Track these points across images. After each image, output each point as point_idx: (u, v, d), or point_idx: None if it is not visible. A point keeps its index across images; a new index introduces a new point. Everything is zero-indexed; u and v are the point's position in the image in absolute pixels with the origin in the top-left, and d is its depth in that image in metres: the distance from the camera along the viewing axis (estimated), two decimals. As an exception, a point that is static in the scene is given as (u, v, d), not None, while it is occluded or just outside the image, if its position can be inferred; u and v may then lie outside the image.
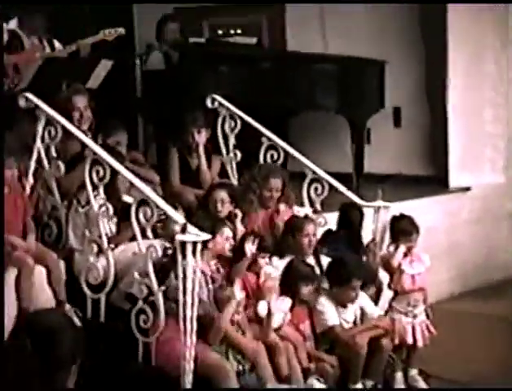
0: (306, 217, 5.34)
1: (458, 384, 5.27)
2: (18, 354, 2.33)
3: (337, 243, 5.44)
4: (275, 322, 4.82)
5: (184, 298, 4.28)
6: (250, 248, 4.85)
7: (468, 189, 7.54)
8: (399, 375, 5.29)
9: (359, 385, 4.94)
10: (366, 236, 5.56)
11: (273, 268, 4.99)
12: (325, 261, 5.22)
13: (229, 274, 4.84)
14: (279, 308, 4.83)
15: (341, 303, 5.05)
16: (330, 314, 5.02)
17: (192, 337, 4.31)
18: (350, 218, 5.53)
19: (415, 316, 5.28)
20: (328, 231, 5.56)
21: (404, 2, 7.52)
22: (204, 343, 4.44)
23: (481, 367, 5.46)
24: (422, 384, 5.28)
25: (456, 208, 7.39)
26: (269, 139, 5.88)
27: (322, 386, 4.83)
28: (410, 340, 5.25)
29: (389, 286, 5.36)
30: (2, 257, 4.30)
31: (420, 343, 5.27)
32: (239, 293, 4.56)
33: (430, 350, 5.33)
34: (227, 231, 4.86)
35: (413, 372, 5.32)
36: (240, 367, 4.50)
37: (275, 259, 5.09)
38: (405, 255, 5.31)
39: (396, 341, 5.20)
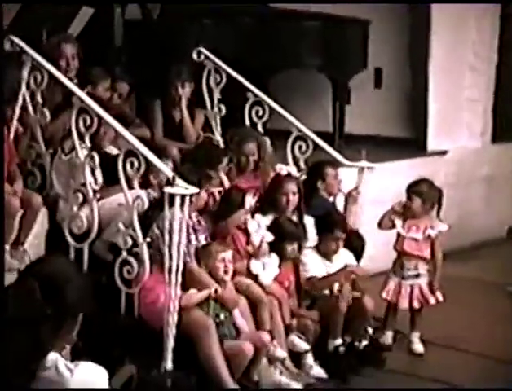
0: (288, 175, 5.34)
1: (434, 345, 5.35)
2: (26, 298, 2.30)
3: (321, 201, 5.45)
4: (268, 279, 4.86)
5: (170, 251, 4.27)
6: (250, 201, 4.86)
7: (445, 153, 7.60)
8: (388, 333, 5.34)
9: (339, 341, 4.98)
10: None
11: (257, 225, 4.99)
12: (308, 220, 5.22)
13: (214, 229, 4.83)
14: (271, 266, 4.87)
15: (325, 254, 5.11)
16: (312, 265, 5.08)
17: (177, 290, 4.31)
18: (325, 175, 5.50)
19: (413, 280, 5.30)
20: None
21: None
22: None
23: (455, 328, 5.55)
24: (418, 348, 5.33)
25: (433, 171, 7.33)
26: (255, 95, 5.85)
27: (302, 342, 4.87)
28: (405, 304, 5.30)
29: (395, 247, 5.37)
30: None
31: (416, 306, 5.31)
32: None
33: (403, 312, 5.39)
34: (212, 187, 4.86)
35: (414, 335, 5.36)
36: (218, 319, 4.50)
37: (258, 216, 5.09)
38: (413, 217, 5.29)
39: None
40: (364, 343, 5.11)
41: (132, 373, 2.67)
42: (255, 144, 5.43)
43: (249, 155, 5.40)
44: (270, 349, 4.67)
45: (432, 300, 5.32)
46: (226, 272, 4.61)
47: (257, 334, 4.61)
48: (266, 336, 4.58)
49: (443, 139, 7.64)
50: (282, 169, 5.45)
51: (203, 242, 4.72)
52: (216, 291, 4.48)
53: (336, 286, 5.04)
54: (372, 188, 5.81)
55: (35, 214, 4.58)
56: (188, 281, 4.47)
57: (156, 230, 4.44)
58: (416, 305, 5.32)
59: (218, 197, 4.94)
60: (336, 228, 5.09)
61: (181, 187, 4.30)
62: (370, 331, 5.22)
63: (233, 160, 5.35)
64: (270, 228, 5.06)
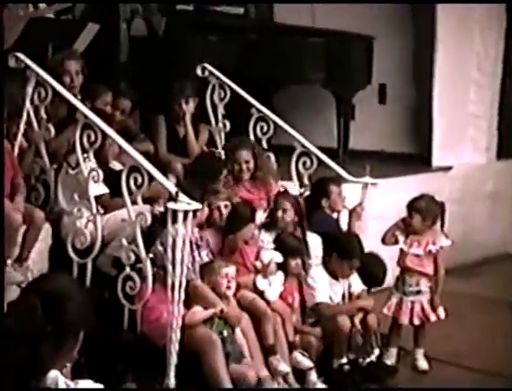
0: (283, 191, 5.33)
1: (438, 362, 5.34)
2: (28, 315, 2.29)
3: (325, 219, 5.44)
4: (274, 295, 4.86)
5: (173, 267, 4.27)
6: (261, 216, 4.87)
7: (450, 168, 7.58)
8: (392, 350, 5.32)
9: (344, 360, 4.97)
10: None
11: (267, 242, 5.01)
12: (314, 238, 5.21)
13: (222, 244, 4.85)
14: (277, 283, 4.88)
15: (333, 275, 5.10)
16: (320, 289, 5.06)
17: (180, 306, 4.31)
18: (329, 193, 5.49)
19: (414, 297, 5.28)
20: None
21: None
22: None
23: (456, 345, 5.54)
24: (422, 364, 5.31)
25: (437, 187, 7.33)
26: (258, 111, 5.85)
27: (306, 359, 4.85)
28: (405, 321, 5.28)
29: (398, 263, 5.36)
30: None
31: (416, 322, 5.28)
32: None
33: (408, 328, 5.37)
34: (219, 201, 4.88)
35: (418, 352, 5.34)
36: (221, 336, 4.48)
37: (263, 233, 5.10)
38: (415, 233, 5.28)
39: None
40: (368, 360, 5.09)
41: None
42: (249, 152, 5.41)
43: (242, 162, 5.37)
44: (273, 362, 4.65)
45: (433, 317, 5.30)
46: (228, 288, 4.61)
47: (258, 365, 4.58)
48: (265, 372, 4.55)
49: (447, 155, 7.62)
50: (282, 185, 5.46)
51: (205, 258, 4.72)
52: (222, 310, 4.46)
53: (357, 320, 5.01)
54: (376, 204, 5.79)
55: (38, 230, 4.58)
56: (193, 298, 4.46)
57: (160, 247, 4.44)
58: (416, 321, 5.30)
59: (224, 211, 4.91)
60: (353, 256, 5.08)
61: (184, 203, 4.30)
62: (377, 351, 5.19)
63: (228, 168, 5.34)
64: (273, 243, 5.06)
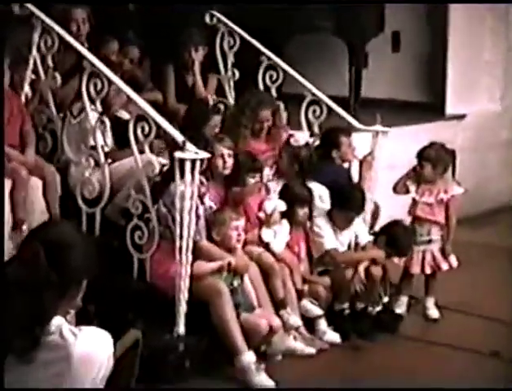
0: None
1: (448, 310, 5.34)
2: (31, 263, 2.29)
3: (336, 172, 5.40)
4: (279, 246, 4.84)
5: (181, 218, 4.25)
6: (267, 173, 4.84)
7: (463, 116, 7.51)
8: (403, 299, 5.32)
9: (346, 305, 4.99)
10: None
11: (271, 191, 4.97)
12: (316, 187, 5.18)
13: (226, 196, 4.80)
14: (283, 233, 4.85)
15: (338, 226, 5.08)
16: (328, 236, 5.04)
17: (188, 255, 4.30)
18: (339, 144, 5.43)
19: (425, 246, 5.26)
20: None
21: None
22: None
23: (468, 294, 5.54)
24: (433, 313, 5.32)
25: (451, 135, 7.31)
26: (268, 58, 5.79)
27: (315, 307, 4.86)
28: (417, 270, 5.28)
29: (409, 212, 5.35)
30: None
31: (427, 271, 5.28)
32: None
33: (419, 277, 5.37)
34: (222, 149, 4.79)
35: (429, 301, 5.35)
36: (232, 287, 4.48)
37: (270, 183, 5.08)
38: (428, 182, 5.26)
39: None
40: (378, 309, 5.10)
41: (138, 338, 2.66)
42: (270, 111, 5.37)
43: (264, 121, 5.33)
44: (284, 316, 4.66)
45: (445, 266, 5.29)
46: (238, 240, 4.59)
47: (270, 315, 4.58)
48: (277, 321, 4.55)
49: (461, 103, 7.56)
50: (294, 136, 5.40)
51: (209, 204, 4.65)
52: (230, 264, 4.45)
53: (362, 267, 4.98)
54: (388, 153, 5.74)
55: (53, 185, 4.56)
56: (199, 258, 4.44)
57: (163, 209, 4.40)
58: (428, 270, 5.29)
59: (227, 159, 4.82)
60: (352, 209, 5.04)
61: (191, 152, 4.26)
62: (385, 299, 5.19)
63: (247, 127, 5.28)
64: (281, 193, 5.04)
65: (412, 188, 5.29)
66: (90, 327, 2.39)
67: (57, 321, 2.34)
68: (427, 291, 5.39)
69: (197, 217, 4.40)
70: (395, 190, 5.34)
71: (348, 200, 5.07)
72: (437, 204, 5.26)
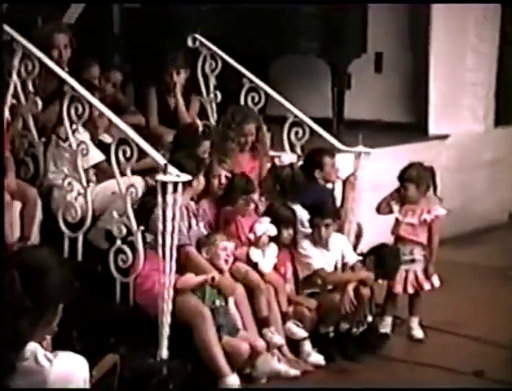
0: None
1: (433, 330, 5.34)
2: (7, 289, 2.29)
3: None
4: (268, 267, 4.88)
5: (163, 238, 4.26)
6: (253, 197, 4.93)
7: (446, 137, 7.55)
8: (387, 319, 5.33)
9: (330, 329, 5.00)
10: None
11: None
12: (298, 210, 5.19)
13: (217, 217, 4.86)
14: (271, 254, 4.90)
15: (318, 243, 5.10)
16: (315, 257, 5.07)
17: (171, 277, 4.30)
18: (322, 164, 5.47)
19: (408, 265, 5.28)
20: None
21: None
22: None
23: (454, 314, 5.55)
24: (417, 333, 5.33)
25: (434, 155, 7.36)
26: (250, 81, 5.83)
27: (300, 330, 4.86)
28: (399, 289, 5.30)
29: (392, 232, 5.38)
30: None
31: (409, 291, 5.31)
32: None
33: (404, 297, 5.39)
34: (221, 171, 4.92)
35: (413, 321, 5.36)
36: (214, 306, 4.49)
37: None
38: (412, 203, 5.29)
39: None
40: (362, 328, 5.11)
41: (115, 362, 2.65)
42: (255, 125, 5.43)
43: (249, 135, 5.39)
44: (267, 335, 4.67)
45: (427, 286, 5.31)
46: (226, 261, 4.63)
47: (253, 337, 4.60)
48: (261, 342, 4.56)
49: (444, 123, 7.60)
50: (281, 156, 5.46)
51: (202, 229, 4.73)
52: (213, 278, 4.46)
53: (351, 287, 5.00)
54: (372, 173, 5.77)
55: (33, 207, 4.57)
56: (185, 264, 4.47)
57: (149, 237, 4.44)
58: (410, 290, 5.31)
59: (224, 181, 4.92)
60: (326, 215, 5.08)
61: (173, 175, 4.29)
62: (370, 318, 5.21)
63: (234, 141, 5.34)
64: (265, 213, 5.07)
65: (396, 208, 5.33)
66: (65, 352, 2.38)
67: (32, 347, 2.34)
68: (411, 311, 5.40)
69: (189, 225, 4.46)
70: (378, 210, 5.38)
71: (321, 207, 5.11)
72: (420, 224, 5.29)
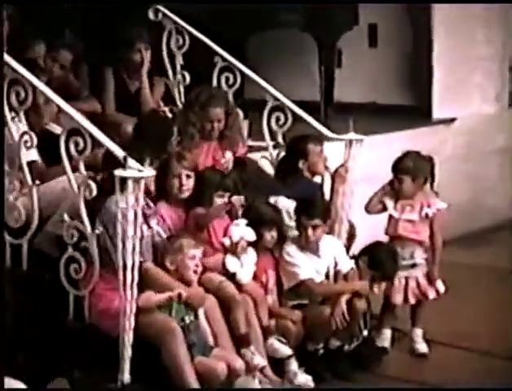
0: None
1: (439, 344, 5.37)
2: None
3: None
4: (246, 277, 4.87)
5: (124, 244, 4.24)
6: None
7: (453, 120, 7.58)
8: (385, 332, 5.34)
9: (320, 345, 5.01)
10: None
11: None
12: (282, 202, 5.21)
13: (186, 220, 4.84)
14: (249, 262, 4.89)
15: (305, 247, 5.08)
16: (302, 265, 5.05)
17: (133, 289, 4.29)
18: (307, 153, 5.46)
19: (408, 271, 5.29)
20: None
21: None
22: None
23: (462, 324, 5.58)
24: (421, 347, 5.35)
25: (438, 143, 7.43)
26: (223, 59, 5.82)
27: (284, 347, 4.86)
28: (398, 299, 5.31)
29: (386, 231, 5.39)
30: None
31: (411, 301, 5.32)
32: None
33: (406, 306, 5.40)
34: (180, 169, 4.84)
35: (416, 333, 5.37)
36: (183, 323, 4.48)
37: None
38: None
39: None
40: (356, 343, 5.13)
41: (64, 387, 2.65)
42: (223, 109, 5.39)
43: (215, 121, 5.36)
44: (247, 355, 4.66)
45: (431, 294, 5.32)
46: (195, 272, 4.60)
47: (230, 355, 4.59)
48: (239, 362, 4.56)
49: (450, 105, 7.64)
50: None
51: (156, 228, 4.66)
52: (180, 295, 4.44)
53: (344, 300, 5.00)
54: (365, 164, 5.79)
55: None
56: (145, 283, 4.42)
57: (100, 228, 4.41)
58: (412, 300, 5.32)
59: (185, 181, 4.84)
60: (313, 215, 5.05)
61: (134, 169, 4.26)
62: (365, 332, 5.22)
63: (196, 126, 5.31)
64: (244, 213, 5.05)
65: (390, 205, 5.33)
66: (7, 377, 2.38)
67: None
68: (414, 321, 5.41)
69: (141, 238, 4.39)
70: (367, 209, 5.39)
71: (307, 204, 5.09)
72: (421, 220, 5.30)
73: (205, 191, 4.87)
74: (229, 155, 5.37)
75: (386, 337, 5.34)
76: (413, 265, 5.31)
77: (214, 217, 4.85)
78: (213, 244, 4.88)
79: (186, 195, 4.84)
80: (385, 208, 5.35)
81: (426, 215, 5.29)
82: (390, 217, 5.34)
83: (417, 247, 5.31)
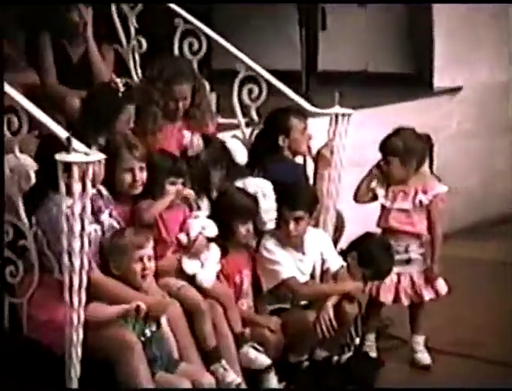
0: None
1: (443, 354, 5.41)
2: None
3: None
4: (209, 279, 4.86)
5: (70, 243, 4.22)
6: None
7: (458, 90, 7.64)
8: (370, 338, 5.39)
9: (304, 357, 5.05)
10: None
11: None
12: (256, 183, 5.23)
13: (132, 211, 4.83)
14: (212, 262, 4.90)
15: (284, 242, 5.09)
16: (284, 262, 5.06)
17: (81, 295, 4.27)
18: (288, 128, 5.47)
19: (402, 267, 5.32)
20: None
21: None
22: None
23: (470, 330, 5.63)
24: (423, 358, 5.38)
25: (442, 117, 7.47)
26: (186, 21, 5.81)
27: (261, 356, 4.87)
28: (388, 298, 5.34)
29: (377, 223, 5.42)
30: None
31: (404, 302, 5.35)
32: None
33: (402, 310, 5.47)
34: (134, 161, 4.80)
35: (416, 341, 5.41)
36: (143, 337, 4.46)
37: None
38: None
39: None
40: (348, 355, 5.16)
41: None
42: (190, 85, 5.41)
43: (180, 99, 5.38)
44: (218, 371, 4.69)
45: (428, 295, 5.35)
46: (144, 276, 4.54)
47: (197, 371, 4.61)
48: (208, 379, 4.58)
49: (455, 72, 7.68)
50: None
51: (109, 222, 4.65)
52: (138, 308, 4.38)
53: (330, 303, 5.02)
54: (357, 144, 5.83)
55: None
56: (93, 297, 4.39)
57: (35, 228, 4.39)
58: (404, 300, 5.35)
59: (138, 175, 4.79)
60: (296, 205, 5.06)
61: (80, 153, 4.25)
62: (357, 341, 5.27)
63: (159, 105, 5.32)
64: (215, 204, 5.08)
65: (380, 192, 5.36)
66: None
67: None
68: (413, 327, 5.45)
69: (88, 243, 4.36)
70: (356, 198, 5.42)
71: (287, 191, 5.11)
72: (415, 209, 5.32)
73: (155, 179, 4.85)
74: (196, 138, 5.39)
75: (370, 344, 5.38)
76: (408, 261, 5.34)
77: (161, 209, 4.83)
78: (166, 243, 4.85)
79: (139, 190, 4.82)
80: (375, 197, 5.38)
81: (421, 203, 5.32)
82: (382, 206, 5.38)
83: (412, 240, 5.34)
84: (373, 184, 5.38)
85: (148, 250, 4.57)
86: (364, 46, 7.82)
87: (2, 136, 4.39)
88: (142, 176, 4.81)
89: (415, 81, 7.71)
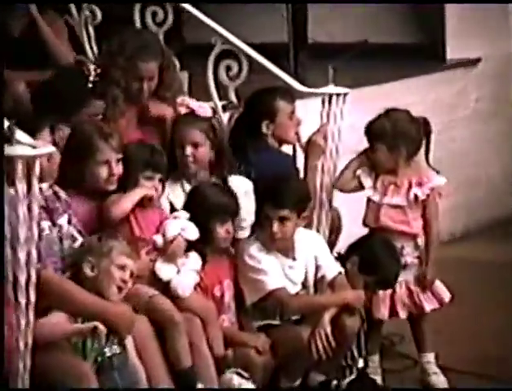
0: (189, 113, 5.37)
1: (457, 373, 5.43)
2: None
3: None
4: (184, 288, 4.87)
5: (14, 251, 4.21)
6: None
7: (476, 62, 7.68)
8: (374, 360, 5.42)
9: (298, 382, 5.08)
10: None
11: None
12: (237, 182, 5.27)
13: (99, 208, 4.86)
14: (189, 268, 4.92)
15: (277, 248, 5.12)
16: (270, 271, 5.08)
17: (29, 314, 4.27)
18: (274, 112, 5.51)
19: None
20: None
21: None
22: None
23: (486, 345, 5.68)
24: (436, 379, 5.39)
25: (457, 94, 7.51)
26: (149, -13, 5.87)
27: (245, 383, 4.87)
28: (382, 313, 5.36)
29: (363, 221, 5.46)
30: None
31: (402, 315, 5.38)
32: None
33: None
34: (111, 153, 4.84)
35: (426, 360, 5.43)
36: (102, 358, 4.47)
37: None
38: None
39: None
40: (349, 379, 5.19)
41: None
42: (157, 62, 5.43)
43: (145, 78, 5.40)
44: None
45: (428, 305, 5.38)
46: (120, 289, 4.57)
47: None
48: None
49: (471, 42, 7.70)
50: (184, 102, 5.43)
51: (67, 228, 4.65)
52: (96, 329, 4.39)
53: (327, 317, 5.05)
54: (356, 129, 5.79)
55: None
56: (46, 297, 4.38)
57: None
58: (402, 313, 5.38)
59: (115, 169, 4.85)
60: (281, 202, 5.07)
61: (25, 145, 4.25)
62: (360, 362, 5.29)
63: (120, 85, 5.34)
64: (187, 202, 5.11)
65: (368, 182, 5.40)
66: None
67: None
68: (419, 345, 5.46)
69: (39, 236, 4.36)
70: (338, 185, 5.46)
71: (272, 187, 5.12)
72: (409, 205, 5.35)
73: (129, 173, 4.88)
74: None
75: (375, 366, 5.40)
76: (403, 266, 5.35)
77: (128, 204, 4.85)
78: (137, 245, 4.86)
79: (115, 186, 4.87)
80: (362, 186, 5.42)
81: (416, 197, 5.34)
82: (369, 199, 5.41)
83: (406, 241, 5.39)
84: (359, 171, 5.42)
85: (132, 265, 4.60)
86: (364, 13, 7.88)
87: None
88: (119, 169, 4.85)
89: (424, 52, 7.76)
